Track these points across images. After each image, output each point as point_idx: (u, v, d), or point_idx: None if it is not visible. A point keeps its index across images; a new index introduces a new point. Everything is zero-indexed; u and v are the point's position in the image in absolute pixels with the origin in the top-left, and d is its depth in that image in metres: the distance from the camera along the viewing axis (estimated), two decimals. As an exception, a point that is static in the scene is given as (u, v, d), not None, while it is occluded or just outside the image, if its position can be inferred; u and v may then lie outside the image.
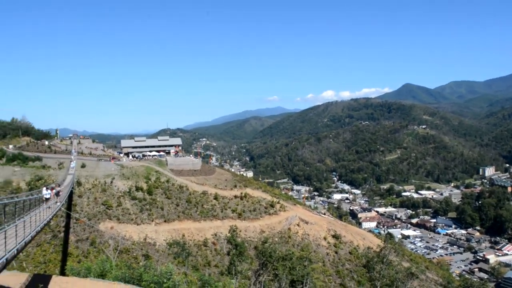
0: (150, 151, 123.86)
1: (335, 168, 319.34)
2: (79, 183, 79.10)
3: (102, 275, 28.24)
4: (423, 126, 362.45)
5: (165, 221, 78.08)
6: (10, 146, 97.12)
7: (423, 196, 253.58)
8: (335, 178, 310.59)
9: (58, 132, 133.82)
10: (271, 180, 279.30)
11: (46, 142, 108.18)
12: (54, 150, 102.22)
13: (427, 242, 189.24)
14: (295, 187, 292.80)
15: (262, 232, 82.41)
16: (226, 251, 71.76)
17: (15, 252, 13.91)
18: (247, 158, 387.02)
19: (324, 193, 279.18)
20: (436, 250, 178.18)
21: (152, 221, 77.08)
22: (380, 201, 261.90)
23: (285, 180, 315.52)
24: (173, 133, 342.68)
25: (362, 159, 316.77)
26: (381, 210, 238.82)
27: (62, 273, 47.85)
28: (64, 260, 58.08)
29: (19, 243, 14.50)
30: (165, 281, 25.40)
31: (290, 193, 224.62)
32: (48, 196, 28.35)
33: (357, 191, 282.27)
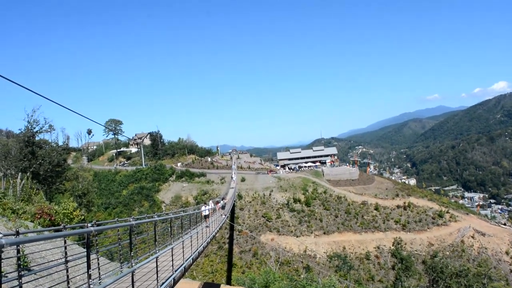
0: (306, 162, 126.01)
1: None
2: (240, 196, 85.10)
3: (266, 286, 29.11)
4: None
5: (324, 233, 77.77)
6: (179, 164, 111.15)
7: None
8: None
9: (218, 148, 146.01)
10: (437, 187, 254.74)
11: (209, 159, 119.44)
12: (216, 165, 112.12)
13: None
14: (466, 194, 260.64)
15: (430, 245, 75.16)
16: (390, 265, 67.72)
17: (191, 261, 14.93)
18: (408, 165, 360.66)
19: (502, 200, 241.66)
20: None
21: (312, 233, 77.62)
22: None
23: (454, 186, 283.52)
24: (327, 143, 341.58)
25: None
26: None
27: (228, 282, 51.57)
28: (229, 270, 62.81)
29: (194, 252, 15.54)
30: (328, 294, 24.67)
31: (460, 201, 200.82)
32: (206, 213, 27.24)
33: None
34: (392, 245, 69.99)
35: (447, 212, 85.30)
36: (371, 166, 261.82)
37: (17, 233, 5.27)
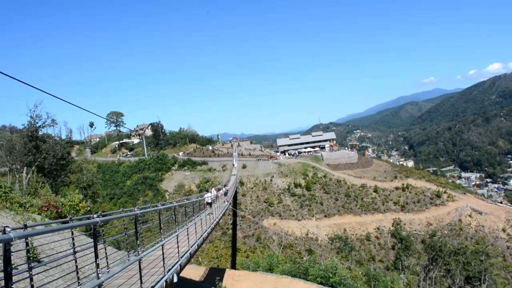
0: (305, 148, 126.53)
1: (510, 150, 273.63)
2: (241, 183, 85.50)
3: (270, 269, 29.67)
4: None
5: (325, 216, 78.44)
6: (180, 153, 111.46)
7: None
8: (511, 162, 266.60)
9: (219, 137, 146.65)
10: (434, 169, 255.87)
11: (210, 147, 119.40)
12: (217, 153, 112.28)
13: None
14: (463, 174, 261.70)
15: (429, 224, 76.08)
16: (390, 246, 68.55)
17: (196, 247, 15.25)
18: (406, 147, 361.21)
19: (498, 179, 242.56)
20: None
21: (313, 216, 78.28)
22: None
23: (451, 167, 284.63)
24: (326, 128, 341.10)
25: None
26: None
27: (233, 267, 52.32)
28: (234, 255, 63.67)
29: (198, 239, 15.87)
30: (331, 275, 25.13)
31: (457, 181, 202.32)
32: (209, 201, 27.53)
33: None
34: (392, 226, 70.50)
35: (445, 192, 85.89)
36: (370, 150, 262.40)
37: (25, 227, 5.40)
